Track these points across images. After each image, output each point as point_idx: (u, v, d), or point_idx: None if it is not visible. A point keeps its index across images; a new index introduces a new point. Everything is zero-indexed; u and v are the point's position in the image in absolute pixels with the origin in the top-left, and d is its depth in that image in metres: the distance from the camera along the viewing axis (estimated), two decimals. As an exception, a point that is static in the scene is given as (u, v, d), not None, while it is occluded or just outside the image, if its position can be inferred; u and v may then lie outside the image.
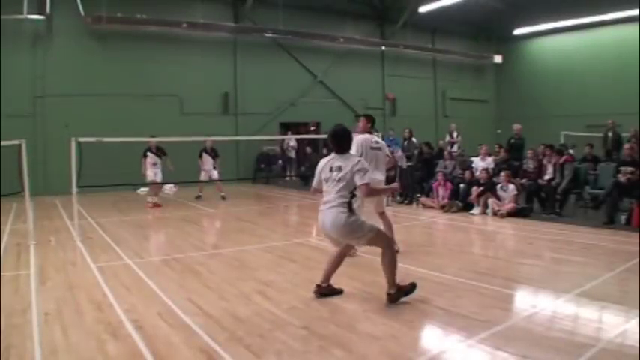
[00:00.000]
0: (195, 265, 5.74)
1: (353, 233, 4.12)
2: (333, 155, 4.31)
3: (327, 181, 4.24)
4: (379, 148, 5.91)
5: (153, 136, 10.98)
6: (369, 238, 4.15)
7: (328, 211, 4.13)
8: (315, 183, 4.46)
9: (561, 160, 9.25)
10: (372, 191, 4.43)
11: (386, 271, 4.20)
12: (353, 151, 5.64)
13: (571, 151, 12.03)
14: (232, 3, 16.85)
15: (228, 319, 3.93)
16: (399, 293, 4.21)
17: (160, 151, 11.26)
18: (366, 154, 5.67)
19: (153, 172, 11.09)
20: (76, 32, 14.19)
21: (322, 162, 4.38)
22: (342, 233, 4.13)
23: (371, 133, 6.02)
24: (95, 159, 9.44)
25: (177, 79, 15.62)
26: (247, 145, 16.71)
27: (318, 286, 4.46)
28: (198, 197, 12.20)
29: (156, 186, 11.17)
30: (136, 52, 15.01)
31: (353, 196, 4.16)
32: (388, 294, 4.20)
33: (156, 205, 10.89)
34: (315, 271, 5.37)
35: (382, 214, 5.99)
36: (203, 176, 12.10)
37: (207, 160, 12.06)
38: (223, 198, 12.08)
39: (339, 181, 4.12)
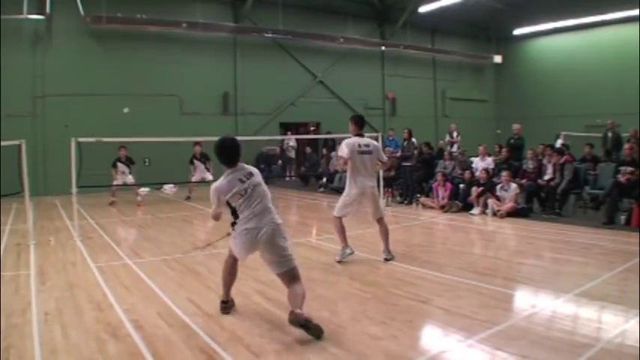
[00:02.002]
0: (195, 265, 5.74)
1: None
2: (230, 170, 3.86)
3: (242, 197, 3.79)
4: (369, 152, 5.74)
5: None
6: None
7: (268, 225, 3.79)
8: (217, 207, 3.96)
9: (561, 160, 9.25)
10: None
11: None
12: (340, 152, 5.73)
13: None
14: (232, 3, 16.85)
15: (228, 319, 3.94)
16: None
17: (128, 160, 11.58)
18: (354, 158, 5.63)
19: (122, 178, 11.48)
20: (76, 32, 14.18)
21: (224, 185, 3.85)
22: (280, 244, 3.83)
23: (361, 135, 5.88)
24: (95, 159, 9.47)
25: (177, 79, 15.62)
26: (247, 146, 16.64)
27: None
28: (188, 198, 12.29)
29: (116, 189, 11.57)
30: (136, 52, 15.01)
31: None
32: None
33: (113, 204, 11.36)
34: (315, 271, 5.38)
35: (380, 220, 5.89)
36: (194, 179, 12.28)
37: (199, 166, 12.25)
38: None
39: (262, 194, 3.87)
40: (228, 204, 3.85)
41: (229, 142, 3.95)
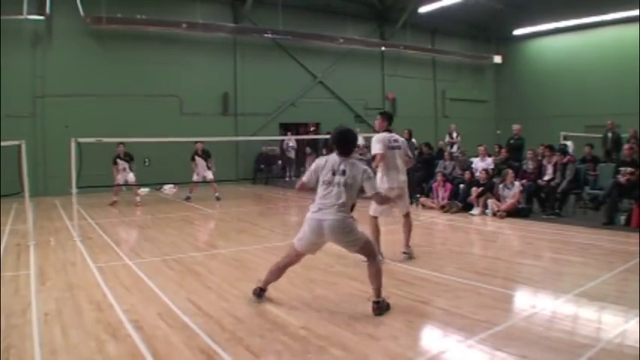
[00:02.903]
0: (195, 266, 5.74)
1: (350, 235, 4.00)
2: (335, 157, 4.10)
3: (327, 183, 4.04)
4: (398, 147, 5.75)
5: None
6: (362, 244, 4.07)
7: (328, 212, 3.95)
8: (306, 178, 4.23)
9: (564, 160, 9.24)
10: (383, 199, 4.51)
11: (373, 281, 4.05)
12: (374, 149, 5.68)
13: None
14: (232, 3, 16.85)
15: (228, 319, 3.94)
16: (385, 304, 4.04)
17: (127, 156, 11.46)
18: (386, 153, 5.62)
19: (122, 176, 11.38)
20: (76, 32, 14.17)
21: (322, 160, 4.17)
22: (339, 234, 3.98)
23: (389, 130, 5.85)
24: (95, 159, 9.47)
25: (177, 80, 15.62)
26: (247, 146, 16.71)
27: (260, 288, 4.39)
28: (188, 198, 12.21)
29: (119, 187, 11.53)
30: (136, 53, 15.01)
31: (354, 203, 4.10)
32: (375, 302, 4.01)
33: (114, 204, 11.31)
34: (315, 271, 5.38)
35: (407, 215, 5.92)
36: (196, 177, 12.17)
37: (200, 163, 12.12)
38: (218, 198, 12.09)
39: (345, 186, 3.97)
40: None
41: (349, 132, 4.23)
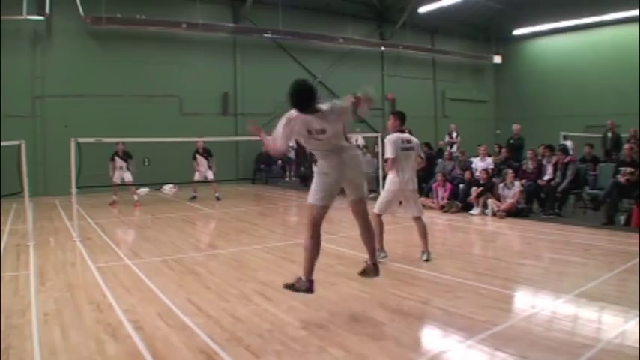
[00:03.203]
0: (194, 266, 5.73)
1: (363, 176, 4.04)
2: (300, 115, 3.69)
3: (307, 142, 3.82)
4: (412, 148, 5.70)
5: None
6: (364, 192, 4.05)
7: (342, 156, 3.77)
8: (280, 138, 3.79)
9: (566, 160, 9.25)
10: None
11: (367, 242, 4.11)
12: (387, 152, 5.63)
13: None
14: (232, 3, 16.85)
15: (227, 319, 3.94)
16: (375, 267, 4.15)
17: (125, 155, 11.42)
18: (398, 155, 5.57)
19: (119, 174, 11.32)
20: (76, 33, 14.18)
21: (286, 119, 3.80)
22: (360, 171, 3.98)
23: (402, 131, 5.79)
24: (94, 160, 9.47)
25: (176, 80, 15.62)
26: (247, 146, 16.70)
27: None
28: (193, 198, 12.19)
29: (117, 187, 11.49)
30: (136, 53, 15.01)
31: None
32: (369, 264, 4.15)
33: (114, 203, 11.34)
34: (315, 271, 5.36)
35: (418, 219, 5.78)
36: (197, 177, 12.14)
37: (202, 162, 12.08)
38: (218, 198, 12.07)
39: (330, 139, 3.74)
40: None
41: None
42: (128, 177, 11.42)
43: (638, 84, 16.34)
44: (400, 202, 5.94)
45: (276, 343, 3.46)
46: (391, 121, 5.81)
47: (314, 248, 3.92)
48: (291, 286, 4.04)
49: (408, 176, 5.63)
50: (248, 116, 17.10)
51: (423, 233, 5.81)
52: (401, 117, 5.80)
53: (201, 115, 15.97)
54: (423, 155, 5.95)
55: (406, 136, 5.77)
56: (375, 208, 5.75)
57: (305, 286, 3.95)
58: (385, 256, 5.74)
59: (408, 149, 5.66)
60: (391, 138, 5.67)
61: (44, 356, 3.29)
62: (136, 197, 11.44)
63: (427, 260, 5.72)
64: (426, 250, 5.82)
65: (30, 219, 7.27)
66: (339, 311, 4.11)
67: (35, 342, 3.51)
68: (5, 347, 3.40)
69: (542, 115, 20.26)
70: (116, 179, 11.34)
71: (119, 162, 11.34)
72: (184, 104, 15.89)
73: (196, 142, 12.01)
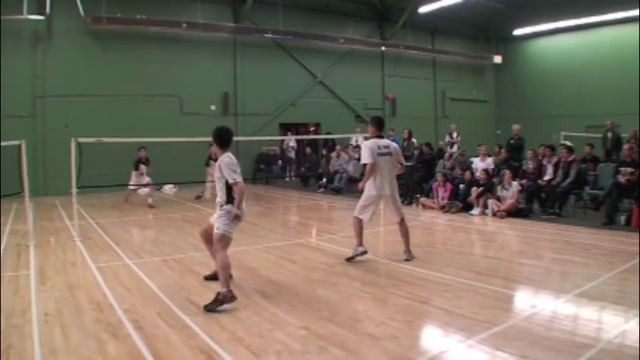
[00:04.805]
0: (195, 266, 5.74)
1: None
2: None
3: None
4: (389, 153, 5.73)
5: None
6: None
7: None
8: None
9: (570, 159, 9.25)
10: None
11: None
12: (363, 158, 5.75)
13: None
14: (232, 3, 16.85)
15: (228, 319, 3.93)
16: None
17: (147, 161, 11.29)
18: (376, 160, 5.63)
19: (139, 180, 11.12)
20: (76, 33, 14.18)
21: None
22: None
23: (381, 136, 5.88)
24: (95, 159, 9.46)
25: (177, 80, 15.62)
26: (247, 146, 16.70)
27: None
28: (199, 197, 12.15)
29: (151, 188, 11.24)
30: (136, 53, 15.01)
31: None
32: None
33: (127, 200, 11.20)
34: (316, 271, 5.38)
35: (401, 221, 5.89)
36: (210, 179, 11.93)
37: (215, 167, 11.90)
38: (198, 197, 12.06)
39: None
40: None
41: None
42: (147, 180, 11.17)
43: (638, 84, 16.34)
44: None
45: (276, 342, 3.46)
46: (370, 128, 5.96)
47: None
48: None
49: (384, 181, 5.69)
50: (248, 116, 17.13)
51: (405, 234, 5.90)
52: (377, 123, 5.94)
53: (202, 115, 15.96)
54: (402, 161, 6.06)
55: (384, 141, 5.86)
56: (355, 211, 5.88)
57: None
58: (364, 252, 5.81)
59: (384, 154, 5.71)
60: (367, 143, 5.80)
61: (44, 356, 3.29)
62: (150, 200, 11.13)
63: (407, 260, 5.78)
64: (407, 250, 5.89)
65: (30, 219, 7.27)
66: (339, 311, 4.11)
67: (35, 342, 3.51)
68: (5, 347, 3.40)
69: (543, 115, 20.27)
70: (136, 182, 11.01)
71: (143, 168, 11.14)
72: (184, 104, 15.90)
73: (209, 146, 11.86)
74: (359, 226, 5.80)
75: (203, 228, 4.90)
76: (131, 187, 11.22)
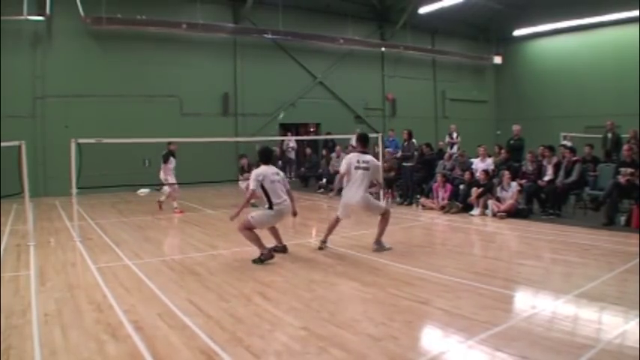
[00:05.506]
0: (195, 266, 5.74)
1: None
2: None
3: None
4: (366, 168, 6.20)
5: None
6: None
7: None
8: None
9: (573, 159, 9.25)
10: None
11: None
12: (340, 169, 6.52)
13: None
14: (232, 4, 16.86)
15: (228, 319, 3.94)
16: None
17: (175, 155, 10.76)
18: (350, 172, 6.25)
19: (172, 176, 10.61)
20: (76, 33, 14.19)
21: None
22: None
23: (365, 152, 6.38)
24: (95, 160, 9.46)
25: (177, 80, 15.63)
26: (247, 146, 16.70)
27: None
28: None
29: (178, 189, 10.80)
30: (136, 53, 15.01)
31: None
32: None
33: (181, 211, 10.42)
34: (316, 271, 5.39)
35: (383, 214, 6.37)
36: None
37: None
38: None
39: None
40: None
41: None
42: (172, 179, 10.74)
43: (638, 84, 16.35)
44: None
45: (276, 343, 3.47)
46: (356, 143, 6.71)
47: None
48: None
49: (353, 192, 6.20)
50: (248, 116, 17.14)
51: (383, 226, 6.34)
52: (362, 139, 6.57)
53: (202, 116, 15.97)
54: (380, 179, 6.70)
55: (367, 157, 6.33)
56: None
57: None
58: (325, 248, 6.41)
59: (361, 168, 6.23)
60: (348, 156, 6.54)
61: (44, 356, 3.29)
62: (175, 204, 10.56)
63: (376, 251, 6.19)
64: (378, 240, 6.32)
65: (30, 219, 7.27)
66: (339, 311, 4.11)
67: (35, 342, 3.51)
68: (5, 347, 3.40)
69: (542, 115, 20.27)
70: (170, 180, 10.55)
71: (174, 162, 10.62)
72: (184, 104, 15.90)
73: (239, 158, 11.77)
74: (335, 222, 6.50)
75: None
76: (170, 189, 10.65)
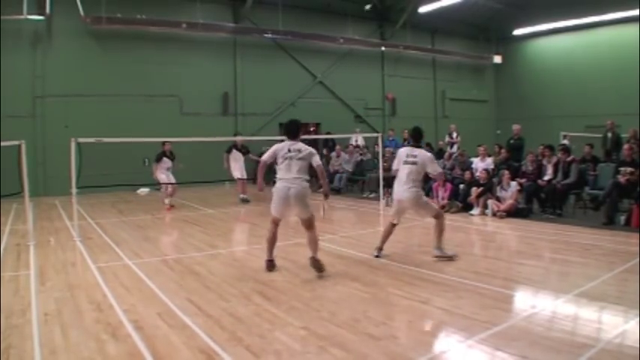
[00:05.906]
0: (194, 266, 5.74)
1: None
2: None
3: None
4: (414, 162, 5.88)
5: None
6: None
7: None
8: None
9: (569, 159, 9.25)
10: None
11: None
12: (393, 164, 6.31)
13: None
14: (232, 3, 16.86)
15: (228, 319, 3.94)
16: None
17: (172, 155, 10.99)
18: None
19: (166, 175, 10.80)
20: (76, 33, 14.17)
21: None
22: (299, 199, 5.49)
23: (417, 146, 6.09)
24: (95, 160, 9.46)
25: (177, 80, 15.62)
26: (247, 146, 16.68)
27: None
28: (246, 200, 11.61)
29: (173, 187, 10.93)
30: (136, 53, 15.01)
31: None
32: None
33: (170, 208, 10.69)
34: (315, 271, 5.38)
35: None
36: (239, 175, 11.49)
37: (239, 157, 11.59)
38: (246, 201, 11.57)
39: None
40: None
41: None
42: (172, 178, 10.92)
43: (638, 84, 16.35)
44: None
45: (276, 343, 3.47)
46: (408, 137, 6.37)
47: None
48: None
49: (400, 187, 5.91)
50: (248, 116, 17.13)
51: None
52: (414, 133, 6.21)
53: (202, 115, 15.97)
54: (436, 173, 6.14)
55: (415, 151, 5.98)
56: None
57: None
58: (381, 256, 6.05)
59: (409, 163, 5.90)
60: (399, 151, 6.27)
61: (44, 356, 3.29)
62: (167, 200, 10.83)
63: (435, 257, 5.92)
64: (438, 245, 5.99)
65: (30, 219, 7.27)
66: (339, 311, 4.11)
67: (35, 342, 3.51)
68: (5, 347, 3.40)
69: (542, 115, 20.27)
70: (163, 179, 10.72)
71: (167, 162, 10.81)
72: (184, 104, 15.90)
73: (234, 134, 11.80)
74: (389, 228, 6.19)
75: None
76: (168, 190, 10.81)
